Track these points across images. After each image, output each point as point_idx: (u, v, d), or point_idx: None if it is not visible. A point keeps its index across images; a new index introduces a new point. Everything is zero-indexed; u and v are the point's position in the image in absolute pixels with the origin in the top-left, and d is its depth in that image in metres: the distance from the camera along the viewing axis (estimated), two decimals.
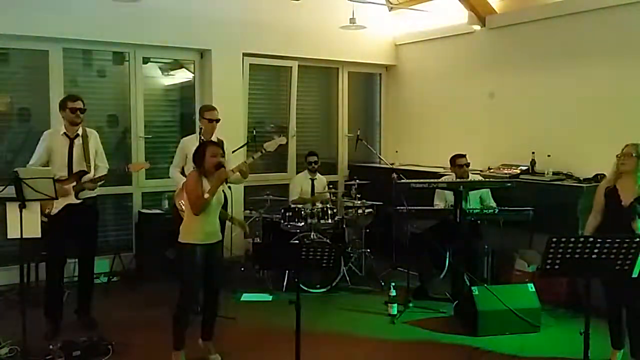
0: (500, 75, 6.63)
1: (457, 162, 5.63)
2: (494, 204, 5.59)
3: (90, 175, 4.61)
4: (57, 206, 4.45)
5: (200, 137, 5.02)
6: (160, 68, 6.83)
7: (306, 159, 6.53)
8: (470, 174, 5.79)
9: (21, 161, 4.62)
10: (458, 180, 5.55)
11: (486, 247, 5.56)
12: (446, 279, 5.66)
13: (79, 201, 4.55)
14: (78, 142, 4.62)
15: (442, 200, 5.71)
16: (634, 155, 3.97)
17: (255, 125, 7.01)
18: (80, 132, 4.64)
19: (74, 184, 4.53)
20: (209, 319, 4.19)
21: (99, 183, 4.68)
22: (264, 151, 5.10)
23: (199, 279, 4.00)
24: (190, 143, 5.14)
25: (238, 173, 4.92)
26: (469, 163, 5.65)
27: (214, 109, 5.27)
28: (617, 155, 4.07)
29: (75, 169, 4.58)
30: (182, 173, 5.20)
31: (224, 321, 4.89)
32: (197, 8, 6.43)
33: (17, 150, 5.81)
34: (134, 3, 5.67)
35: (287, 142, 5.24)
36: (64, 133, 4.59)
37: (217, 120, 5.18)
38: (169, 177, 5.38)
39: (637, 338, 3.95)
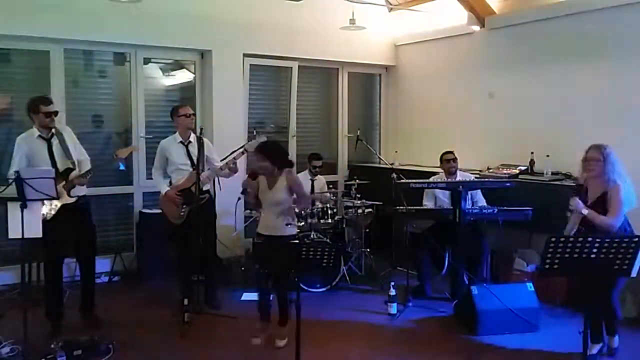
0: (500, 75, 6.64)
1: (444, 158, 5.73)
2: (484, 203, 5.62)
3: (77, 171, 4.56)
4: (53, 209, 4.42)
5: (202, 137, 5.05)
6: (161, 68, 6.84)
7: (310, 161, 6.51)
8: (461, 172, 5.81)
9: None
10: (458, 180, 5.57)
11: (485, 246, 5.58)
12: (446, 278, 5.69)
13: (73, 200, 4.52)
14: (55, 141, 4.54)
15: (432, 200, 5.75)
16: (600, 159, 4.04)
17: (256, 125, 7.02)
18: (53, 131, 4.55)
19: (64, 183, 4.49)
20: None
21: (89, 177, 4.59)
22: (245, 151, 5.13)
23: None
24: (169, 144, 5.17)
25: (227, 170, 5.07)
26: (456, 158, 5.72)
27: (186, 105, 5.34)
28: (582, 160, 4.14)
29: (60, 169, 4.50)
30: (166, 176, 5.23)
31: (224, 321, 4.92)
32: (197, 8, 6.44)
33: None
34: (135, 3, 5.68)
35: (287, 142, 5.30)
36: (39, 136, 4.50)
37: (193, 115, 5.23)
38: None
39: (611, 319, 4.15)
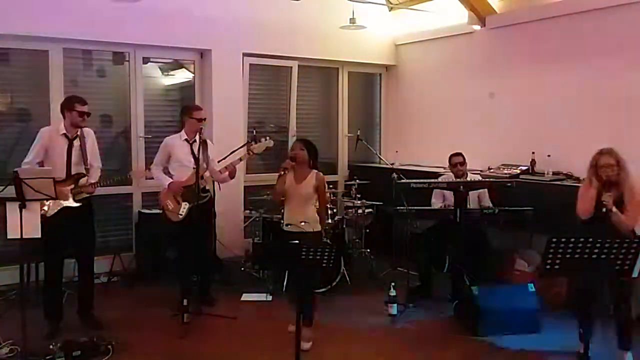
0: (500, 75, 6.63)
1: (452, 161, 5.66)
2: (490, 204, 5.60)
3: (86, 180, 4.57)
4: (54, 208, 4.42)
5: (201, 137, 5.04)
6: (160, 68, 6.83)
7: None
8: (470, 174, 5.79)
9: (20, 162, 4.60)
10: (458, 180, 5.55)
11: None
12: (446, 279, 5.67)
13: (76, 204, 4.53)
14: (77, 143, 4.57)
15: (440, 199, 5.72)
16: (615, 164, 4.06)
17: (255, 125, 7.01)
18: (78, 132, 4.60)
19: (72, 186, 4.50)
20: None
21: (96, 187, 4.64)
22: (251, 153, 5.14)
23: None
24: (174, 142, 5.19)
25: (227, 174, 5.09)
26: (464, 162, 5.66)
27: (201, 108, 5.38)
28: (593, 166, 4.13)
29: (73, 171, 4.54)
30: (167, 173, 5.24)
31: (224, 321, 4.91)
32: (197, 8, 6.43)
33: (18, 151, 5.79)
34: (134, 3, 5.67)
35: (273, 144, 5.32)
36: (64, 134, 4.55)
37: (205, 120, 5.26)
38: None
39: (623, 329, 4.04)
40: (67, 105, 4.56)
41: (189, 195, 4.98)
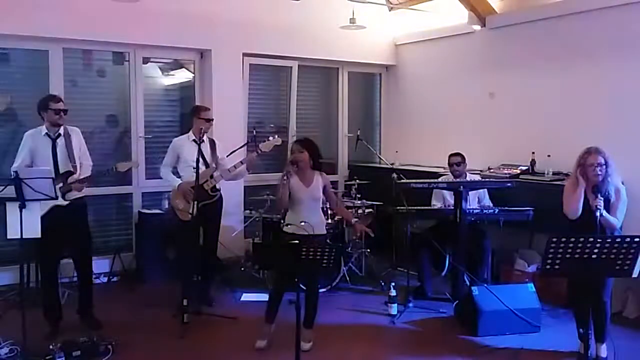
0: (500, 75, 6.62)
1: (450, 161, 5.68)
2: (490, 204, 5.60)
3: (76, 175, 4.55)
4: (44, 208, 4.40)
5: (201, 137, 5.05)
6: (160, 68, 6.83)
7: None
8: (469, 174, 5.80)
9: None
10: (458, 180, 5.55)
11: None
12: (446, 279, 5.67)
13: (66, 203, 4.50)
14: (61, 141, 4.55)
15: (440, 200, 5.72)
16: (604, 163, 4.07)
17: (255, 125, 7.01)
18: (62, 131, 4.57)
19: (61, 185, 4.47)
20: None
21: (86, 184, 4.61)
22: (259, 152, 5.14)
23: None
24: (183, 142, 5.23)
25: (240, 169, 5.12)
26: (461, 162, 5.65)
27: (209, 108, 5.41)
28: (581, 164, 4.14)
29: (61, 170, 4.51)
30: (176, 174, 5.26)
31: (224, 321, 4.90)
32: (197, 8, 6.43)
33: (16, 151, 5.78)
34: (134, 3, 5.67)
35: (282, 142, 5.30)
36: (46, 133, 4.53)
37: (212, 120, 5.30)
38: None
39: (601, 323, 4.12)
40: (42, 106, 4.53)
41: (199, 194, 4.99)
